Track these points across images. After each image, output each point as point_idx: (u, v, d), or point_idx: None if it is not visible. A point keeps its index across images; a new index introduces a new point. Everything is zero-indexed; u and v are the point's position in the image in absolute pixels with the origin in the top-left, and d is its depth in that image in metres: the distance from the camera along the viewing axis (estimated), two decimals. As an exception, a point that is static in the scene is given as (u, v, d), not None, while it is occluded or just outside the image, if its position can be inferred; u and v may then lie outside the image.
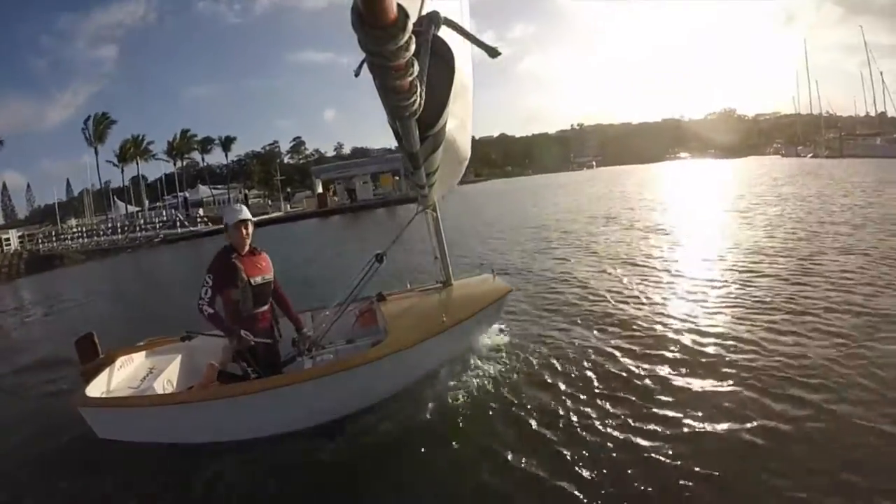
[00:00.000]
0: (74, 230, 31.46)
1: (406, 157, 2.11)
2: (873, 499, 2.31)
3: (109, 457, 3.18)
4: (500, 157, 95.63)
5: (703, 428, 3.00)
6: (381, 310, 4.01)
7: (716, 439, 2.89)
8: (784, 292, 5.39)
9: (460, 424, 3.34)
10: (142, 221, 32.18)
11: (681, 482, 2.56)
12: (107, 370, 3.42)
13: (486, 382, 3.85)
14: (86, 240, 28.42)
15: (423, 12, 1.35)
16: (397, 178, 38.27)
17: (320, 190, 38.59)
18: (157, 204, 45.05)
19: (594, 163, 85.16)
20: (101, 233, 29.52)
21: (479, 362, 4.20)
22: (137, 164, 49.53)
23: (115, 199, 45.16)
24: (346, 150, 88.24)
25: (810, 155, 46.14)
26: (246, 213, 3.29)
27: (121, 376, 3.51)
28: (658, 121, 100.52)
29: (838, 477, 2.48)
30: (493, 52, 1.58)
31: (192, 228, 29.56)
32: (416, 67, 1.22)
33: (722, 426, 3.01)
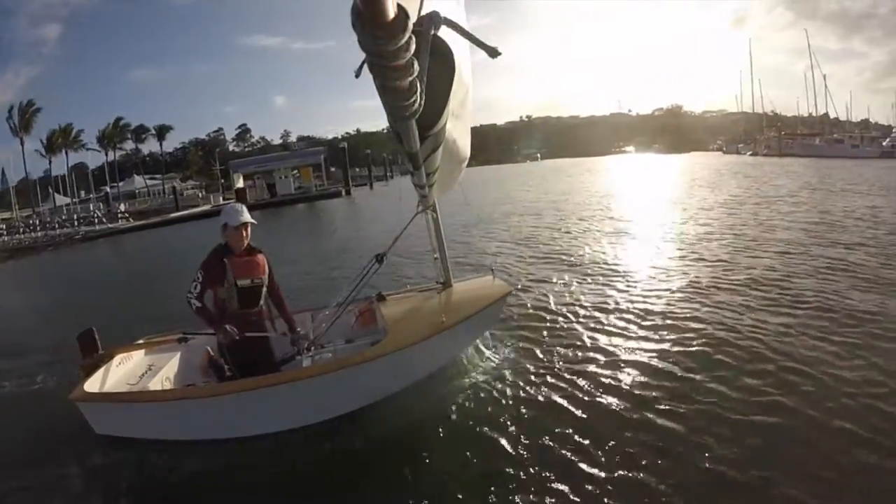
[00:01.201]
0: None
1: (406, 157, 2.11)
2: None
3: (106, 452, 3.19)
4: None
5: (709, 428, 3.01)
6: (381, 310, 4.01)
7: (720, 441, 2.90)
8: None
9: (459, 424, 3.34)
10: (61, 218, 29.39)
11: (689, 481, 2.57)
12: (105, 367, 3.43)
13: (485, 383, 3.86)
14: (6, 237, 25.52)
15: (423, 12, 1.35)
16: (318, 173, 38.20)
17: (240, 184, 36.37)
18: (92, 195, 41.91)
19: (539, 155, 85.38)
20: (21, 230, 26.93)
21: (478, 362, 4.21)
22: (67, 154, 47.56)
23: (51, 190, 42.24)
24: (293, 138, 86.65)
25: (749, 153, 47.70)
26: (247, 216, 3.27)
27: (119, 373, 3.52)
28: (606, 115, 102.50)
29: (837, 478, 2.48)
30: (493, 52, 1.59)
31: (110, 225, 27.46)
32: (416, 67, 1.22)
33: (730, 423, 3.02)
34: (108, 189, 39.05)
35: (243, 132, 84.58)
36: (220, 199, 38.46)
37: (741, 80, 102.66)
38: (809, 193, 15.10)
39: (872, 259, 6.72)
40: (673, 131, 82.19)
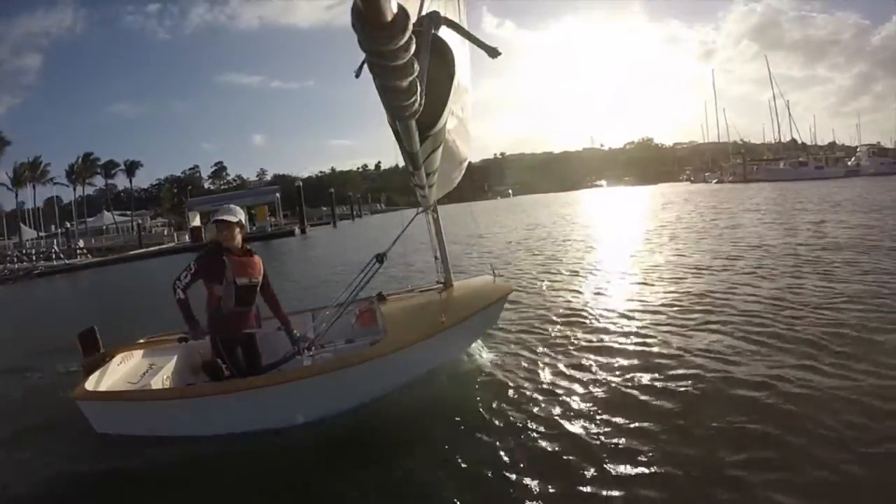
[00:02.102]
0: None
1: (406, 157, 2.11)
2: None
3: (107, 451, 3.19)
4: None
5: (713, 432, 3.01)
6: (381, 310, 4.02)
7: (727, 442, 2.90)
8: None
9: (459, 424, 3.34)
10: (19, 252, 29.57)
11: (689, 483, 2.57)
12: (106, 366, 3.44)
13: (485, 383, 3.86)
14: None
15: (423, 12, 1.35)
16: (271, 212, 38.98)
17: (196, 222, 35.95)
18: (60, 230, 40.41)
19: (510, 191, 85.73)
20: None
21: (478, 362, 4.21)
22: (34, 188, 47.62)
23: (20, 223, 42.12)
24: (269, 176, 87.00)
25: (715, 181, 48.54)
26: (236, 216, 3.34)
27: (120, 372, 3.53)
28: (579, 150, 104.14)
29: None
30: (493, 53, 1.59)
31: (67, 261, 27.33)
32: (416, 67, 1.22)
33: (733, 428, 3.02)
34: (68, 225, 38.67)
35: (219, 170, 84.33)
36: (186, 237, 37.35)
37: (706, 110, 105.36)
38: (741, 213, 15.67)
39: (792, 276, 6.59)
40: (643, 164, 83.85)
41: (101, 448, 3.21)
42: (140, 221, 42.90)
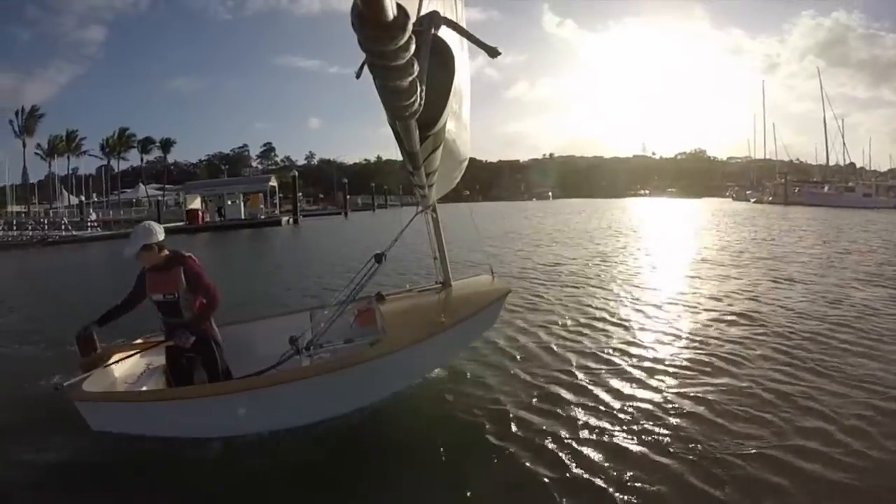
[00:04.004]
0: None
1: (406, 157, 2.11)
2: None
3: (104, 451, 3.17)
4: (461, 181, 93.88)
5: (712, 435, 3.02)
6: (380, 310, 4.00)
7: (731, 445, 2.90)
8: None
9: (459, 424, 3.34)
10: (32, 222, 31.59)
11: (687, 485, 2.57)
12: (103, 366, 3.42)
13: (484, 383, 3.86)
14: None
15: (423, 12, 1.35)
16: (273, 199, 39.51)
17: (196, 205, 36.42)
18: (92, 200, 44.07)
19: (550, 194, 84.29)
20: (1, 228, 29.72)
21: (477, 362, 4.21)
22: (68, 158, 51.29)
23: (63, 189, 44.91)
24: (316, 160, 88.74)
25: (754, 200, 46.10)
26: (142, 240, 3.20)
27: (116, 373, 3.51)
28: (629, 156, 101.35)
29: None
30: (492, 52, 1.58)
31: (73, 233, 29.06)
32: (416, 67, 1.22)
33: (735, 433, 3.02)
34: (82, 198, 39.90)
35: (267, 150, 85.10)
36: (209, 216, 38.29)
37: (754, 124, 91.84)
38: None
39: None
40: (692, 176, 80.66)
41: (98, 447, 3.19)
42: (159, 198, 42.63)
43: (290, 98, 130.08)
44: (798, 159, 60.37)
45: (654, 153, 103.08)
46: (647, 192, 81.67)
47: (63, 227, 30.07)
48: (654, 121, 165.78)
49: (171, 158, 67.92)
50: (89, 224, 32.65)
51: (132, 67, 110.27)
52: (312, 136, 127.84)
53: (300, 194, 43.11)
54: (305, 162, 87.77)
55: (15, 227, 29.53)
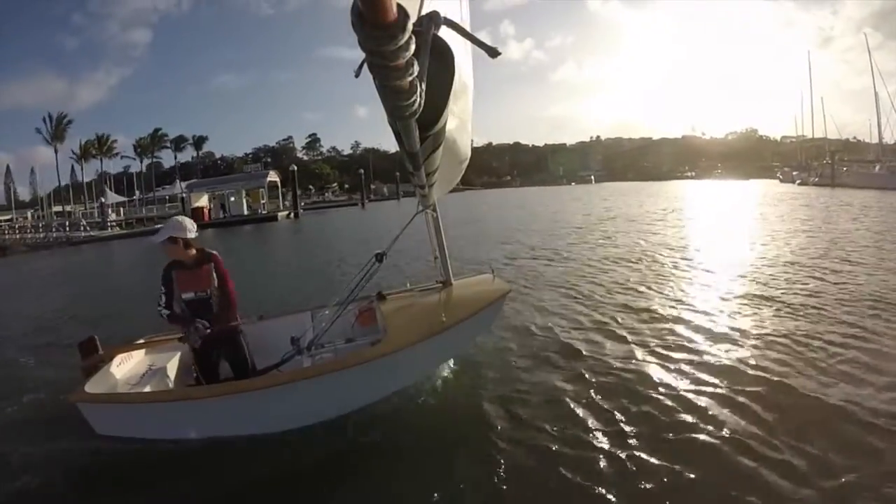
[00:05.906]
0: (20, 223, 34.50)
1: (406, 157, 2.11)
2: None
3: (107, 453, 3.18)
4: (504, 166, 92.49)
5: (713, 434, 3.01)
6: (381, 309, 4.01)
7: (733, 446, 2.90)
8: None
9: (459, 424, 3.34)
10: (55, 223, 33.21)
11: (685, 486, 2.56)
12: (105, 367, 3.42)
13: (484, 382, 3.86)
14: (29, 235, 30.34)
15: (423, 12, 1.34)
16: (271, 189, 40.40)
17: (202, 202, 37.38)
18: (135, 197, 47.96)
19: (593, 177, 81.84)
20: (30, 230, 31.81)
21: (478, 362, 4.21)
22: (101, 161, 54.98)
23: (105, 188, 47.31)
24: (360, 149, 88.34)
25: (799, 182, 42.94)
26: (167, 233, 3.24)
27: (119, 373, 3.51)
28: (678, 137, 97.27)
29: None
30: (493, 53, 1.58)
31: (91, 233, 30.86)
32: (416, 67, 1.22)
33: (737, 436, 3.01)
34: (102, 200, 40.89)
35: (313, 141, 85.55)
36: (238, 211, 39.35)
37: (801, 100, 74.09)
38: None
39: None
40: (742, 156, 76.82)
41: (101, 449, 3.20)
42: (184, 195, 42.66)
43: (337, 88, 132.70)
44: (855, 138, 56.17)
45: (703, 133, 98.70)
46: (692, 173, 78.61)
47: (82, 227, 31.56)
48: (705, 100, 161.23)
49: (217, 153, 70.54)
50: (109, 224, 34.21)
51: (177, 67, 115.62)
52: (362, 124, 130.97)
53: (310, 187, 44.96)
54: (351, 151, 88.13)
55: (41, 229, 31.31)
